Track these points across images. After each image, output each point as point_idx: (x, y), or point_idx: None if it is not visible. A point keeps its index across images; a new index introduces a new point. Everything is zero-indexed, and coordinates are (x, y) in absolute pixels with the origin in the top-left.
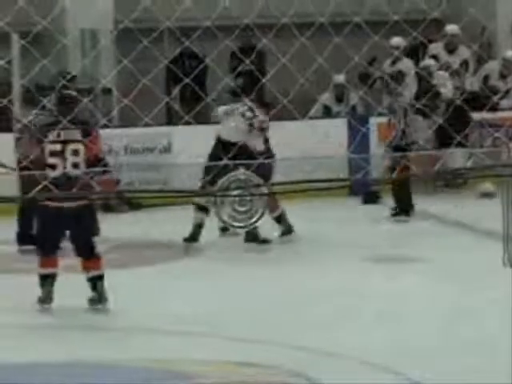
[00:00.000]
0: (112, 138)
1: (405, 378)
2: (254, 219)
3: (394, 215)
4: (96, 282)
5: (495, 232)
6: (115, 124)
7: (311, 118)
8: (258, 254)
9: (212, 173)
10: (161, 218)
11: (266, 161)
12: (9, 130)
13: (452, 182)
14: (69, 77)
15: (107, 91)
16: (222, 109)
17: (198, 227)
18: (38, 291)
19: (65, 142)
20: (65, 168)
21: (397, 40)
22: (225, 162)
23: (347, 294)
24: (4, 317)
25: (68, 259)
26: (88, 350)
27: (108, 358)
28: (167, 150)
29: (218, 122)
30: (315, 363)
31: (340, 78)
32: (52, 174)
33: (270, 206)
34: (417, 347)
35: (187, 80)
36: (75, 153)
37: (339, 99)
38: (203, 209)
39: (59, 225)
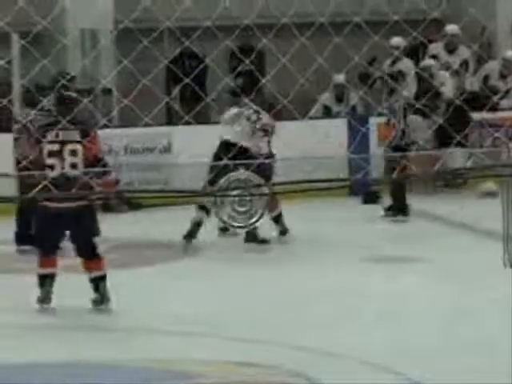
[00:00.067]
0: (112, 138)
1: (405, 378)
2: (253, 219)
3: (386, 216)
4: (98, 282)
5: (495, 232)
6: (115, 124)
7: (311, 118)
8: (258, 254)
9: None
10: (161, 217)
11: (266, 161)
12: (8, 130)
13: (452, 182)
14: (68, 77)
15: (107, 91)
16: (229, 113)
17: (197, 225)
18: (37, 291)
19: (63, 143)
20: (63, 168)
21: (397, 40)
22: (227, 162)
23: (347, 294)
24: (4, 317)
25: (68, 259)
26: (88, 350)
27: (108, 358)
28: (167, 149)
29: (218, 122)
30: (315, 363)
31: (340, 77)
32: (50, 174)
33: (269, 206)
34: (417, 347)
35: (187, 80)
36: (73, 153)
37: (339, 99)
38: (204, 208)
39: (58, 225)
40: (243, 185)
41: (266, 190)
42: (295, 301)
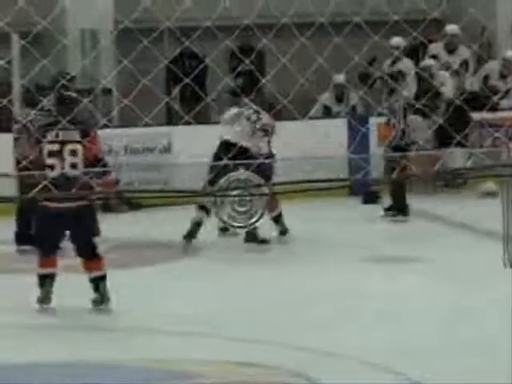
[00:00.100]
0: (112, 137)
1: (405, 378)
2: (253, 219)
3: (386, 216)
4: (98, 282)
5: (495, 232)
6: (115, 124)
7: (311, 118)
8: (258, 254)
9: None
10: (161, 217)
11: (266, 161)
12: (8, 130)
13: (452, 182)
14: (68, 77)
15: (107, 91)
16: (229, 113)
17: (197, 225)
18: (37, 291)
19: (63, 143)
20: (63, 168)
21: (397, 40)
22: (227, 162)
23: (347, 294)
24: (4, 317)
25: (68, 259)
26: (88, 350)
27: (108, 358)
28: (167, 150)
29: (218, 122)
30: (315, 363)
31: (340, 77)
32: (50, 174)
33: (270, 206)
34: (417, 347)
35: (187, 80)
36: (73, 153)
37: (339, 99)
38: (204, 208)
39: (58, 225)
40: (243, 185)
41: (266, 190)
42: (295, 301)
